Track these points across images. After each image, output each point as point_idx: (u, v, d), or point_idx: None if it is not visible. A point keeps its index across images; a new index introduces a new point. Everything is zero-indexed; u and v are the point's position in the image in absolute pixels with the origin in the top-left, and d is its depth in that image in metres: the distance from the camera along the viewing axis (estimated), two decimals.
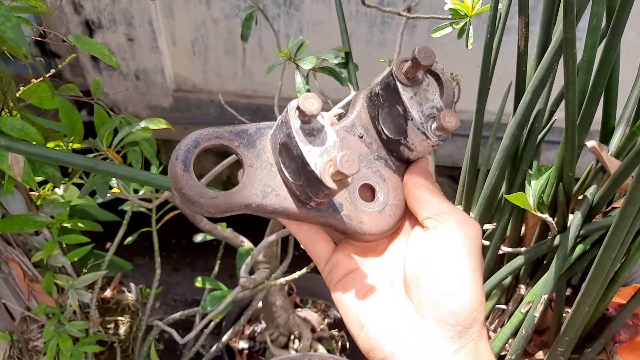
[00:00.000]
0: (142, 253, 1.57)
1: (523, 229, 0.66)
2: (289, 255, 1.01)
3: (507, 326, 0.58)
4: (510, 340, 0.59)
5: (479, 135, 0.60)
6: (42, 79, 0.66)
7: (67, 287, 0.81)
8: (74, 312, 0.86)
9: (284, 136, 0.36)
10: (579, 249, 0.54)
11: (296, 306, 1.34)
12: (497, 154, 0.58)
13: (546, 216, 0.54)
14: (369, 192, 0.40)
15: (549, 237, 0.57)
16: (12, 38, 0.51)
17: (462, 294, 0.35)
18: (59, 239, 0.80)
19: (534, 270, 0.64)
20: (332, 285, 0.40)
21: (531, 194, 0.54)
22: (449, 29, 0.59)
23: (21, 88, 0.69)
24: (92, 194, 0.73)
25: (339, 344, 1.30)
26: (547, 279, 0.53)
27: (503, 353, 0.60)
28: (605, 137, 0.58)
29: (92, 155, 0.67)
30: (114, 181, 0.82)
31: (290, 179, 0.37)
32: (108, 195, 0.76)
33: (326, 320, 1.34)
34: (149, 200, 0.87)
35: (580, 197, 0.55)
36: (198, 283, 1.02)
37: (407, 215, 0.40)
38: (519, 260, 0.58)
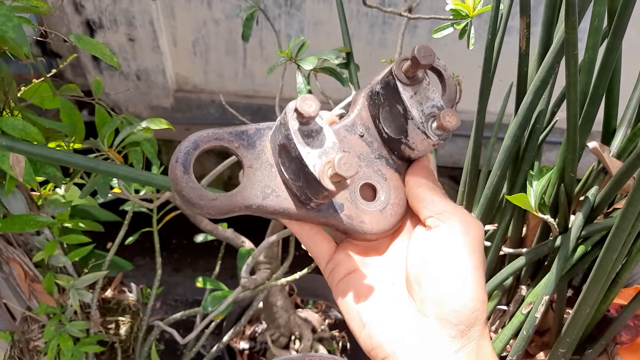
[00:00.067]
0: (143, 253, 1.57)
1: (524, 229, 0.65)
2: (290, 255, 1.01)
3: (508, 327, 0.57)
4: (511, 341, 0.59)
5: (481, 136, 0.60)
6: (43, 79, 0.66)
7: (68, 287, 0.81)
8: (75, 312, 0.86)
9: (283, 138, 0.35)
10: (581, 250, 0.54)
11: (297, 307, 1.34)
12: (498, 155, 0.58)
13: (547, 217, 0.54)
14: (370, 191, 0.40)
15: (550, 238, 0.57)
16: (13, 38, 0.51)
17: (464, 292, 0.34)
18: (60, 239, 0.80)
19: (535, 271, 0.64)
20: (334, 284, 0.39)
21: (532, 195, 0.54)
22: (450, 30, 0.59)
23: (22, 88, 0.69)
24: (93, 194, 0.73)
25: (340, 344, 1.30)
26: (548, 280, 0.53)
27: (504, 354, 0.60)
28: (606, 138, 0.58)
29: (93, 155, 0.67)
30: (115, 181, 0.82)
31: (290, 180, 0.37)
32: (109, 195, 0.76)
33: (327, 321, 1.33)
34: (150, 201, 0.87)
35: (581, 198, 0.55)
36: (199, 283, 1.02)
37: (409, 214, 0.40)
38: (520, 261, 0.58)
